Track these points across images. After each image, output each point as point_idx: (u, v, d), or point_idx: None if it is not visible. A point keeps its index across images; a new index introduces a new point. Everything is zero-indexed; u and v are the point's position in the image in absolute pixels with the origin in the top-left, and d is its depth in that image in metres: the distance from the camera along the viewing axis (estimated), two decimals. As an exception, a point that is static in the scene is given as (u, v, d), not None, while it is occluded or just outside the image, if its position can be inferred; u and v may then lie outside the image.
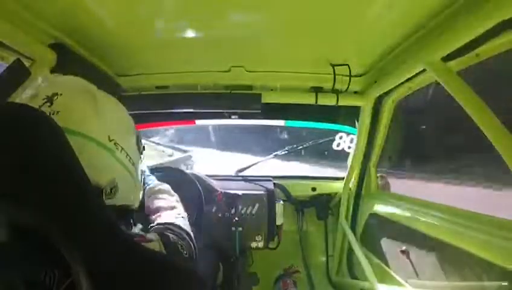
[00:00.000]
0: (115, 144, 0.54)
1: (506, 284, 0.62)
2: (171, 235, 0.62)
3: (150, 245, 0.53)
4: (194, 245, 0.68)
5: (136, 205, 0.67)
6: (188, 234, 0.69)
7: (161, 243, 0.56)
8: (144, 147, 0.71)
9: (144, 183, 0.90)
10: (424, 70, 0.88)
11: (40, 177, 0.39)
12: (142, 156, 0.70)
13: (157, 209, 0.78)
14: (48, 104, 0.51)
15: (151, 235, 0.58)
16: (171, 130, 3.72)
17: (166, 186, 0.88)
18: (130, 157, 0.58)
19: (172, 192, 0.87)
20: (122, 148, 0.56)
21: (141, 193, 0.69)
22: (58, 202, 0.39)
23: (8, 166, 0.37)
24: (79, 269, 0.37)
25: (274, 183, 1.61)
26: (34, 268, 0.38)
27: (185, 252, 0.62)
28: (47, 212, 0.38)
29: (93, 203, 0.43)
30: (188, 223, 0.76)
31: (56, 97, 0.52)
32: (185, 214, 0.79)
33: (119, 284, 0.41)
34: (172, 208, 0.79)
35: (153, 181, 0.89)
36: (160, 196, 0.82)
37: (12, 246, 0.38)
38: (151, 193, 0.84)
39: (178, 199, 0.85)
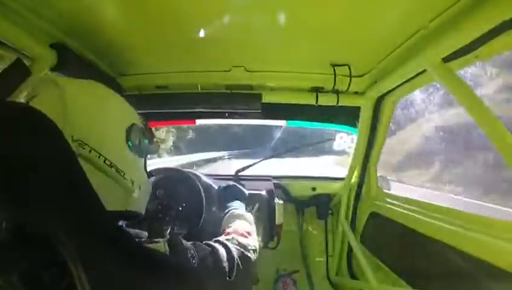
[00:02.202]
0: (79, 144, 0.49)
1: (506, 286, 0.62)
2: (185, 242, 0.58)
3: (155, 246, 0.53)
4: (228, 267, 0.61)
5: (137, 209, 0.61)
6: (229, 255, 0.63)
7: (166, 244, 0.54)
8: (145, 140, 0.63)
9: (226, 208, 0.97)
10: (424, 70, 0.88)
11: (40, 177, 0.39)
12: (143, 151, 0.62)
13: (225, 231, 0.78)
14: None
15: (158, 239, 0.56)
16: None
17: (248, 215, 0.89)
18: (106, 158, 0.52)
19: (252, 220, 0.87)
20: (92, 149, 0.51)
21: (139, 195, 0.61)
22: (57, 201, 0.39)
23: (7, 166, 0.37)
24: (77, 267, 0.37)
25: (274, 183, 1.61)
26: (33, 267, 0.38)
27: (194, 261, 0.57)
28: (46, 211, 0.38)
29: (93, 202, 0.43)
30: (248, 252, 0.69)
31: (31, 100, 0.51)
32: (247, 244, 0.72)
33: (116, 282, 0.41)
34: (241, 234, 0.75)
35: (238, 207, 0.92)
36: (238, 221, 0.82)
37: (11, 245, 0.38)
38: (233, 216, 0.86)
39: (253, 230, 0.83)
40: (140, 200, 0.63)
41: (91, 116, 0.53)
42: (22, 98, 0.52)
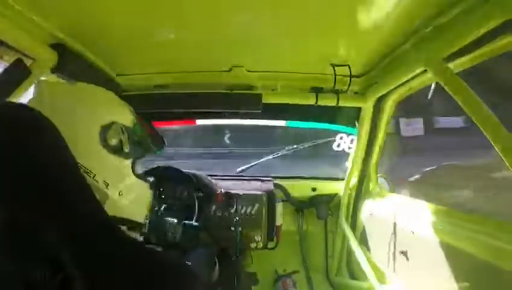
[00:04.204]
0: None
1: (507, 287, 0.62)
2: None
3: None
4: None
5: (124, 216, 0.58)
6: None
7: None
8: (132, 140, 0.59)
9: None
10: (424, 71, 0.88)
11: (39, 177, 0.39)
12: (128, 153, 0.58)
13: None
14: None
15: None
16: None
17: None
18: (80, 164, 0.48)
19: None
20: None
21: (121, 200, 0.57)
22: (56, 200, 0.39)
23: (6, 165, 0.37)
24: (74, 265, 0.37)
25: (274, 184, 1.61)
26: (29, 265, 0.38)
27: None
28: (46, 211, 0.38)
29: (92, 202, 0.43)
30: None
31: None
32: None
33: (114, 281, 0.41)
34: None
35: None
36: None
37: (9, 243, 0.38)
38: None
39: None
40: (126, 206, 0.58)
41: (59, 112, 0.50)
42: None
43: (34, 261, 0.38)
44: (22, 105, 0.44)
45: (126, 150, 0.58)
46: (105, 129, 0.54)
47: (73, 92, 0.55)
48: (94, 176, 0.52)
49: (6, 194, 0.37)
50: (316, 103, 1.27)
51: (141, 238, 0.64)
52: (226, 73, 1.20)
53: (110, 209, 0.53)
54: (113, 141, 0.55)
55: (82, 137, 0.52)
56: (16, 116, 0.41)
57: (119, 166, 0.58)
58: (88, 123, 0.53)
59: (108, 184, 0.54)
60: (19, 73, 0.79)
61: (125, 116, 0.60)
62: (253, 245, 1.42)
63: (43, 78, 0.55)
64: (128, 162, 0.60)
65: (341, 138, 1.62)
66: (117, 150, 0.56)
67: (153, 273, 0.46)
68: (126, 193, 0.58)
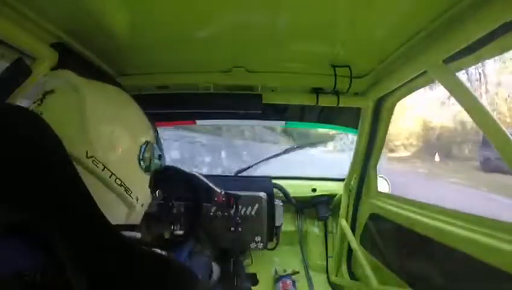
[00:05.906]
0: (93, 161, 0.48)
1: (507, 288, 0.62)
2: None
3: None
4: None
5: (135, 222, 0.61)
6: None
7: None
8: (156, 156, 0.62)
9: None
10: (425, 72, 0.88)
11: (40, 179, 0.39)
12: (152, 168, 0.61)
13: None
14: (38, 102, 0.51)
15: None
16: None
17: None
18: (117, 177, 0.51)
19: None
20: (106, 167, 0.50)
21: (140, 210, 0.61)
22: (52, 200, 0.39)
23: (6, 167, 0.38)
24: (75, 267, 0.37)
25: (274, 184, 1.61)
26: (30, 266, 0.38)
27: None
28: (46, 213, 0.38)
29: (92, 204, 0.43)
30: None
31: (48, 95, 0.51)
32: None
33: (113, 282, 0.41)
34: None
35: None
36: None
37: (6, 243, 0.38)
38: None
39: None
40: (140, 214, 0.62)
41: (109, 132, 0.51)
42: (37, 91, 0.52)
43: (34, 263, 0.38)
44: (21, 108, 0.44)
45: (153, 167, 0.61)
46: (142, 149, 0.57)
47: (114, 104, 0.56)
48: (131, 193, 0.55)
49: (6, 195, 0.37)
50: (317, 103, 1.27)
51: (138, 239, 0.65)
52: (226, 73, 1.20)
53: (131, 219, 0.57)
54: (147, 161, 0.58)
55: (125, 158, 0.54)
56: (16, 119, 0.41)
57: (145, 181, 0.61)
58: (128, 143, 0.55)
59: (138, 199, 0.58)
60: (19, 72, 0.79)
61: (152, 134, 0.62)
62: (253, 246, 1.42)
63: (78, 77, 0.54)
64: (150, 176, 0.63)
65: (341, 139, 1.62)
66: (147, 168, 0.59)
67: (154, 275, 0.46)
68: (145, 204, 0.62)
